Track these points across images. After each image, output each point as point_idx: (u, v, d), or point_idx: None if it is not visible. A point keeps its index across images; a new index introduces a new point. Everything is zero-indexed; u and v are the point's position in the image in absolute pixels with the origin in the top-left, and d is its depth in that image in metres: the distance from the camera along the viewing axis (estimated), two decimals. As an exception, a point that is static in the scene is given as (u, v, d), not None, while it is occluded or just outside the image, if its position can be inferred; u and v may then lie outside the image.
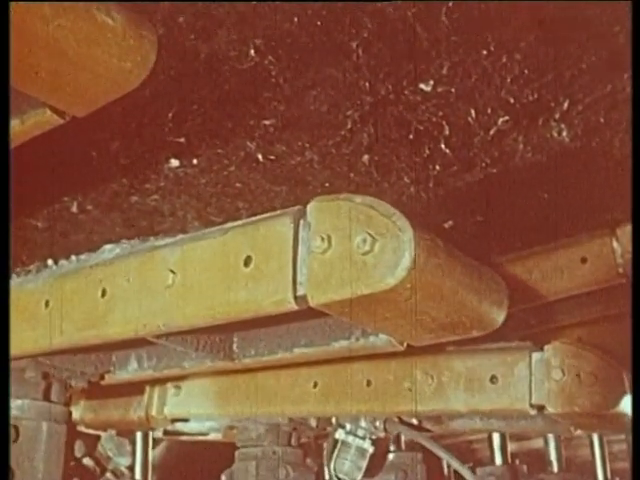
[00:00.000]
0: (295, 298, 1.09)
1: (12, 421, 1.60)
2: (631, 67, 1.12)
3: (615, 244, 1.67)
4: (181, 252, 1.26)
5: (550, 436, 2.58)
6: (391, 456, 2.42)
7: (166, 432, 2.44)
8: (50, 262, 1.64)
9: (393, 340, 1.28)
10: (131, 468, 2.61)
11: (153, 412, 2.25)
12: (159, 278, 1.26)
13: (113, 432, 2.58)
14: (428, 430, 2.15)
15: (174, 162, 1.39)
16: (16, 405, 1.63)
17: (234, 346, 1.50)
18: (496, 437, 2.52)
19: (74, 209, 1.53)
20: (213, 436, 2.47)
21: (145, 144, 1.34)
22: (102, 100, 0.90)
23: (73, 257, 1.60)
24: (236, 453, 2.26)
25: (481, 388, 1.79)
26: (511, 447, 2.61)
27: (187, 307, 1.22)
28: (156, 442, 2.95)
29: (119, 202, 1.52)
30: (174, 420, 2.31)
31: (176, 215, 1.57)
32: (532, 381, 1.74)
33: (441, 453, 2.07)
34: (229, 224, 1.22)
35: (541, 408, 1.74)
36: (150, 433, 2.61)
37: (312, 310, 1.11)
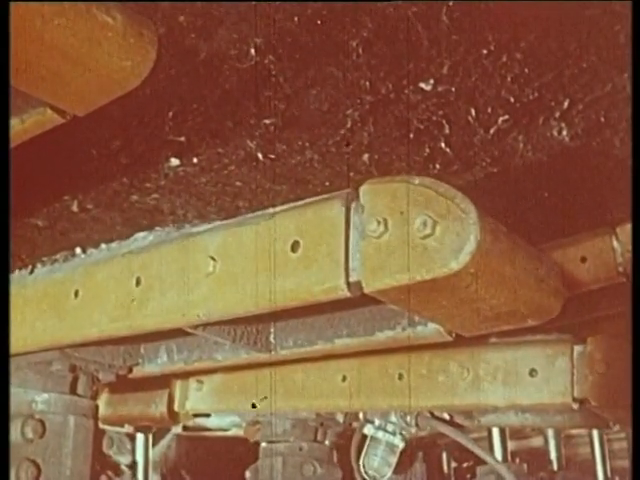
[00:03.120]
0: (348, 284, 1.03)
1: (38, 415, 1.56)
2: (631, 66, 1.12)
3: (615, 243, 1.67)
4: (222, 238, 1.20)
5: (550, 434, 2.58)
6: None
7: (185, 428, 2.41)
8: (78, 250, 1.60)
9: (442, 330, 1.22)
10: (131, 466, 2.60)
11: (175, 407, 2.21)
12: (199, 265, 1.21)
13: (131, 428, 2.55)
14: (460, 425, 2.11)
15: (174, 161, 1.39)
16: (42, 399, 1.58)
17: (271, 337, 1.44)
18: (496, 435, 2.52)
19: (74, 208, 1.53)
20: (233, 432, 2.43)
21: (145, 143, 1.34)
22: (102, 99, 0.91)
23: (103, 245, 1.56)
24: (260, 449, 2.21)
25: (519, 382, 1.75)
26: (511, 445, 2.61)
27: (229, 295, 1.16)
28: (157, 439, 2.94)
29: (119, 201, 1.52)
30: (196, 415, 2.27)
31: (176, 214, 1.57)
32: (574, 374, 1.71)
33: (478, 451, 2.05)
34: (273, 209, 1.17)
35: (583, 402, 1.71)
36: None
37: (360, 298, 1.05)
